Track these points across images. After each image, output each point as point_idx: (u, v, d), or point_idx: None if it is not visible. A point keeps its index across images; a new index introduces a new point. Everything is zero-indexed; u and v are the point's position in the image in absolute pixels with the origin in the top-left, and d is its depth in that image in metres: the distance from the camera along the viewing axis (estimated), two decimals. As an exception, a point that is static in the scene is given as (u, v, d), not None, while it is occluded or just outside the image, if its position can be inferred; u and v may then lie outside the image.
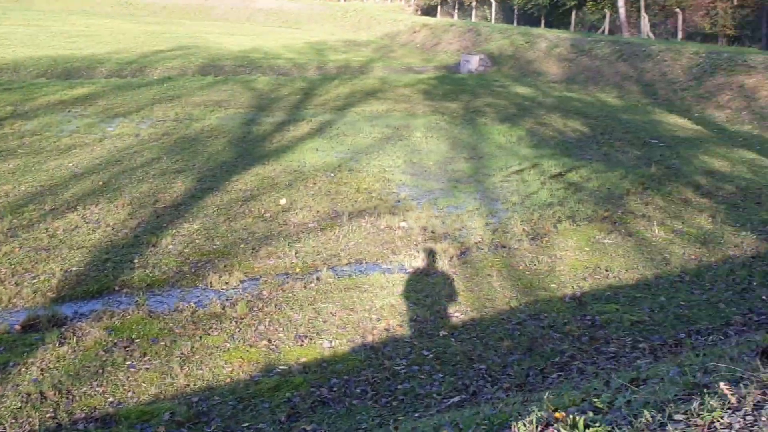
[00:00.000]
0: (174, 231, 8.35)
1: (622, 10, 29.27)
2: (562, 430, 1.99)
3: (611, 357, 5.48)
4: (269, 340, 5.87)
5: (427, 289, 7.00)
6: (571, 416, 2.00)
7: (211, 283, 7.02)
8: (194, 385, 5.25)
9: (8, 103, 15.25)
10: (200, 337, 5.92)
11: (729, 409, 1.90)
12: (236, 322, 6.20)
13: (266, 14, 49.57)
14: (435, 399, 4.91)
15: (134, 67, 22.30)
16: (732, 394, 1.93)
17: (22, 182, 9.89)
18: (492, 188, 10.72)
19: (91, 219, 8.61)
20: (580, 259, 7.86)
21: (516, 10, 37.07)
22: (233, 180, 10.46)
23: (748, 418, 1.86)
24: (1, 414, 4.73)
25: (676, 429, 1.83)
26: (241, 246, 7.96)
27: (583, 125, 15.57)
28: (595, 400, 2.16)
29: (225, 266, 7.41)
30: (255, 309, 6.45)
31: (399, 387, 5.14)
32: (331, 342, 5.84)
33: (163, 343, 5.84)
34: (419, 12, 46.57)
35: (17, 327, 5.96)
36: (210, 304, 6.51)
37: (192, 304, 6.54)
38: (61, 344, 5.66)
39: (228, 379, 5.33)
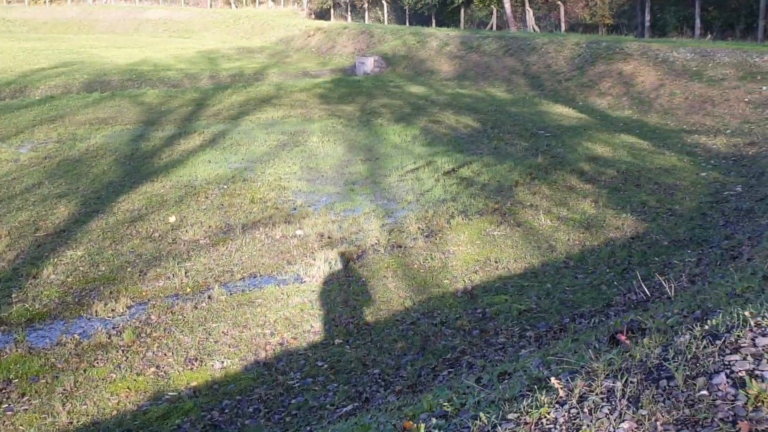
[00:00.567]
0: (56, 260, 7.94)
1: (507, 6, 30.21)
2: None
3: (500, 348, 5.62)
4: (158, 367, 5.67)
5: (322, 297, 6.96)
6: (416, 425, 2.02)
7: (96, 311, 6.72)
8: (78, 422, 5.00)
9: None
10: (84, 371, 5.65)
11: (557, 403, 1.97)
12: (123, 350, 5.96)
13: (155, 24, 48.11)
14: (328, 410, 4.88)
15: (13, 87, 21.13)
16: (562, 388, 2.00)
17: None
18: (388, 188, 10.81)
19: (-37, 254, 8.07)
20: (471, 253, 8.03)
21: (407, 11, 37.59)
22: (120, 200, 10.06)
23: (572, 411, 1.93)
24: None
25: (506, 429, 1.88)
26: (128, 270, 7.66)
27: (475, 120, 15.95)
28: (446, 404, 2.19)
29: (111, 293, 7.11)
30: (143, 335, 6.22)
31: (293, 401, 5.08)
32: (222, 362, 5.70)
33: (44, 380, 5.53)
34: (313, 16, 46.44)
35: None
36: (95, 334, 6.23)
37: (76, 335, 6.24)
38: (-72, 394, 5.27)
39: (114, 412, 5.11)
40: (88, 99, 19.23)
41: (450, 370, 5.22)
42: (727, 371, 2.08)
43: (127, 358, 5.84)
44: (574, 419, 1.88)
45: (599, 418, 1.93)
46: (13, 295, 7.04)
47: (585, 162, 11.81)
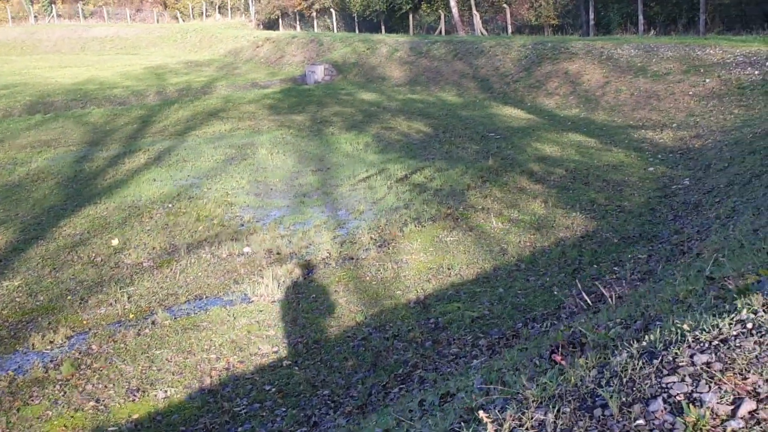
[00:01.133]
0: (-9, 292, 7.57)
1: (455, 10, 30.35)
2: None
3: (452, 359, 5.50)
4: (97, 401, 5.40)
5: (270, 317, 6.75)
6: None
7: (33, 344, 6.39)
8: (10, 467, 4.72)
9: None
10: (18, 410, 5.35)
11: (486, 439, 1.84)
12: (61, 384, 5.67)
13: (101, 42, 47.16)
14: (276, 436, 4.69)
15: (-51, 112, 20.37)
16: (491, 422, 1.88)
17: None
18: (340, 199, 10.65)
19: None
20: (424, 261, 7.91)
21: (356, 18, 37.50)
22: (61, 225, 9.69)
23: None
24: None
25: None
26: (68, 298, 7.34)
27: (426, 126, 15.91)
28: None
29: (49, 323, 6.79)
30: (83, 367, 5.93)
31: (239, 429, 4.88)
32: (166, 391, 5.45)
33: (-26, 423, 5.22)
34: (261, 26, 46.05)
35: None
36: (31, 368, 5.92)
37: (10, 372, 5.92)
38: None
39: (50, 453, 4.84)
40: (30, 121, 18.64)
41: (401, 386, 5.08)
42: (665, 395, 1.97)
43: (65, 392, 5.55)
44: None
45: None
46: (-57, 333, 6.67)
47: (534, 162, 11.83)
